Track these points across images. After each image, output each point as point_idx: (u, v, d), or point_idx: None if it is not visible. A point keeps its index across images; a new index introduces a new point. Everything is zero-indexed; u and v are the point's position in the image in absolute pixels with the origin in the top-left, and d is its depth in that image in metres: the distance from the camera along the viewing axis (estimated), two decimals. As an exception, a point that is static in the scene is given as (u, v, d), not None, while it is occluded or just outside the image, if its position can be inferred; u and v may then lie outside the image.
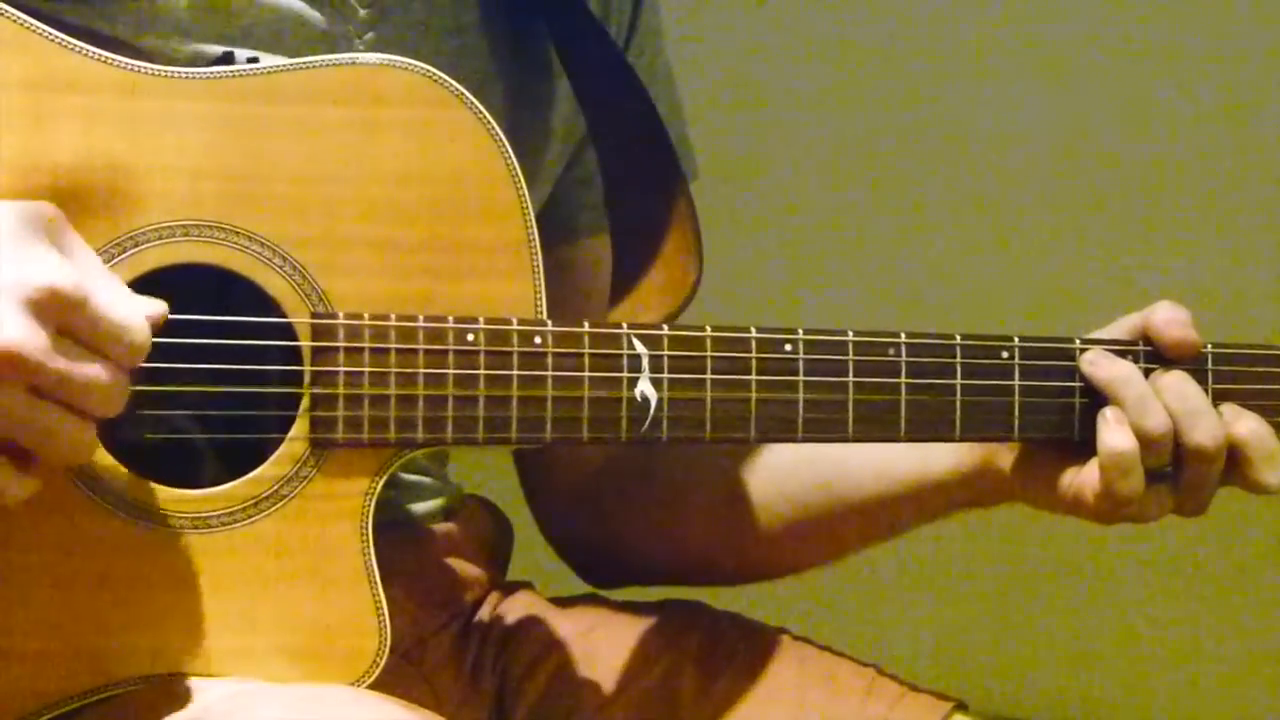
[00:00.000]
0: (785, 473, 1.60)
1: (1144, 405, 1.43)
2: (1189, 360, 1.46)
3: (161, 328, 1.26)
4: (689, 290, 1.50)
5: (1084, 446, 1.45)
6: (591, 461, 1.65)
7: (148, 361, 1.26)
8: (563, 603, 1.66)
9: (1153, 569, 2.59)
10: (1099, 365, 1.45)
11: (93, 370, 1.21)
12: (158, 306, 1.26)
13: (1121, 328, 1.49)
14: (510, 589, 1.67)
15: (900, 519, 1.58)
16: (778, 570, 1.65)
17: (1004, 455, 1.50)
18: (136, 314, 1.24)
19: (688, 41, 2.45)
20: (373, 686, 1.33)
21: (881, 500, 1.56)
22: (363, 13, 1.46)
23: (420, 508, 1.62)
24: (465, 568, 1.64)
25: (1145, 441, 1.42)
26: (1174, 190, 2.56)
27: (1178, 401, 1.44)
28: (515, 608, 1.64)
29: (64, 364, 1.19)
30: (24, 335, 1.17)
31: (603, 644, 1.59)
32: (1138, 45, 2.55)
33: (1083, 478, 1.45)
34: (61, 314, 1.19)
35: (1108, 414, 1.43)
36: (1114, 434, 1.42)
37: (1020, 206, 2.60)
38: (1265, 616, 2.61)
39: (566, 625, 1.61)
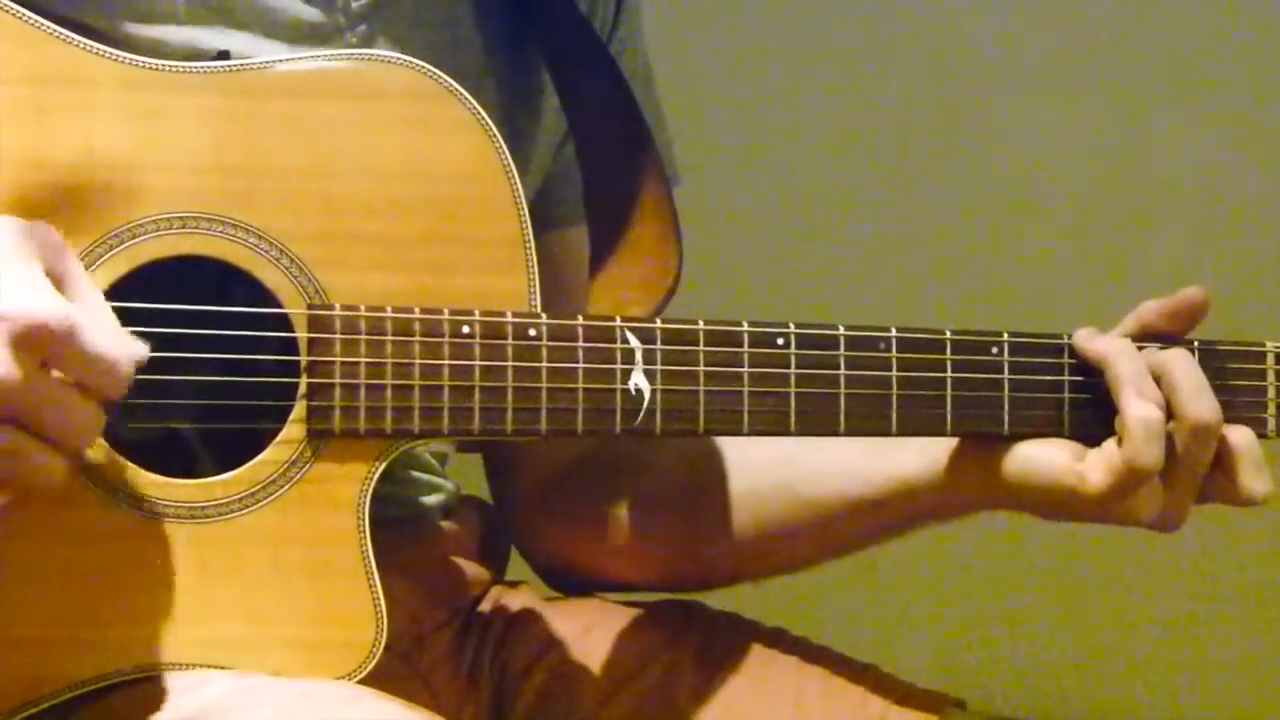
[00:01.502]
0: (752, 474, 1.59)
1: (1139, 377, 1.43)
2: (1184, 329, 1.47)
3: (144, 365, 1.26)
4: (669, 285, 1.49)
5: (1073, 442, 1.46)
6: (559, 463, 1.65)
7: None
8: (561, 601, 1.66)
9: (1153, 569, 2.58)
10: (1093, 340, 1.46)
11: (71, 405, 1.21)
12: (143, 347, 1.26)
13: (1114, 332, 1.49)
14: (509, 587, 1.68)
15: (870, 527, 1.56)
16: (744, 577, 1.64)
17: (982, 452, 1.48)
18: (122, 350, 1.23)
19: (685, 36, 2.47)
20: (371, 683, 1.33)
21: (849, 505, 1.54)
22: (355, 6, 1.47)
23: (421, 503, 1.63)
24: (465, 565, 1.65)
25: None
26: (1174, 191, 2.56)
27: (1183, 377, 1.43)
28: (514, 605, 1.64)
29: (43, 399, 1.20)
30: (4, 370, 1.17)
31: (601, 643, 1.59)
32: (1138, 45, 2.55)
33: (1088, 461, 1.43)
34: (48, 347, 1.19)
35: (1123, 388, 1.42)
36: (1139, 404, 1.41)
37: (1018, 206, 2.60)
38: (1265, 616, 2.61)
39: (565, 624, 1.61)
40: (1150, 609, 2.63)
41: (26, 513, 1.27)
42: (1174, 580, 2.60)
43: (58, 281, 1.22)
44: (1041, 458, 1.45)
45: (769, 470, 1.58)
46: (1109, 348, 1.45)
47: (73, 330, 1.19)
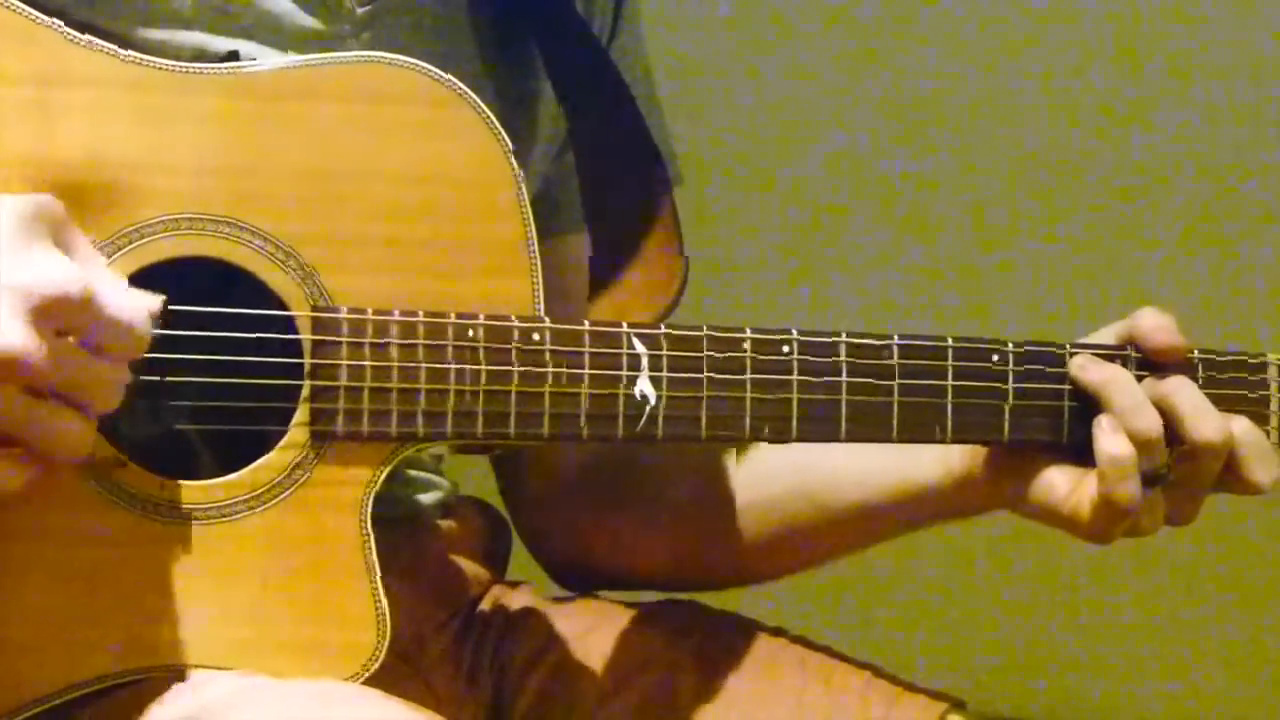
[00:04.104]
0: (767, 479, 1.60)
1: (1136, 408, 1.44)
2: (1178, 364, 1.47)
3: (161, 320, 1.27)
4: (674, 294, 1.50)
5: (1074, 452, 1.46)
6: (569, 465, 1.65)
7: (150, 353, 1.27)
8: (561, 601, 1.66)
9: (1152, 569, 2.58)
10: (1089, 369, 1.46)
11: (92, 369, 1.22)
12: (156, 300, 1.27)
13: (1108, 335, 1.50)
14: (509, 586, 1.67)
15: (882, 528, 1.58)
16: (754, 578, 1.65)
17: (993, 466, 1.50)
18: (138, 308, 1.24)
19: (686, 39, 2.47)
20: (371, 683, 1.33)
21: (864, 509, 1.56)
22: (358, 12, 1.47)
23: (418, 502, 1.63)
24: (465, 565, 1.64)
25: (1138, 444, 1.43)
26: (1170, 195, 2.56)
27: (1185, 400, 1.44)
28: (514, 605, 1.64)
29: (63, 366, 1.20)
30: (23, 342, 1.17)
31: (601, 643, 1.59)
32: (1135, 49, 2.55)
33: (1081, 493, 1.45)
34: (65, 315, 1.20)
35: (1103, 421, 1.44)
36: (1111, 440, 1.43)
37: (1016, 211, 2.59)
38: (1265, 616, 2.61)
39: (565, 624, 1.61)
40: (1149, 609, 2.63)
41: (29, 513, 1.27)
42: (1172, 580, 2.61)
43: (64, 251, 1.23)
44: (1043, 485, 1.47)
45: (784, 477, 1.59)
46: (1104, 377, 1.46)
47: (88, 295, 1.20)
